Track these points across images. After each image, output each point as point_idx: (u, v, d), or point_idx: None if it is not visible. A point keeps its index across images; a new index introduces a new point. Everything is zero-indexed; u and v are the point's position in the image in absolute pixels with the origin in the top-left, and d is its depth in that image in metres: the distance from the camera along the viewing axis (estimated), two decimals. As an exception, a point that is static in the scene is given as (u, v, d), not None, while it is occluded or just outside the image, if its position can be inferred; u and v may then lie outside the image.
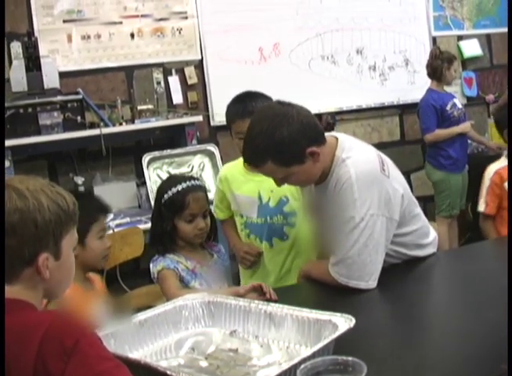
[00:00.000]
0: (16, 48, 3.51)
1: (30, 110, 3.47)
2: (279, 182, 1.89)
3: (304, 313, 1.47)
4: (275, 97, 2.04)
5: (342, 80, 4.63)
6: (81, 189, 3.68)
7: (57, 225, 1.18)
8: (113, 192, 3.73)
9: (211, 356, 1.46)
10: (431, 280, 1.96)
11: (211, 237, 2.17)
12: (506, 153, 2.91)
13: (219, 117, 4.09)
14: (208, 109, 4.19)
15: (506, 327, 1.31)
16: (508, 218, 2.65)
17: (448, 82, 4.41)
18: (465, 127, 4.39)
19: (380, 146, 2.06)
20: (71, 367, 1.04)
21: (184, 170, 3.90)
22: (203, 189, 2.10)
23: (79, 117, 3.62)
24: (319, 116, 4.13)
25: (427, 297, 1.85)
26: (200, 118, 3.97)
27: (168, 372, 1.22)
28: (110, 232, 2.86)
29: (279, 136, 1.75)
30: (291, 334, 1.47)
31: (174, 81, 4.09)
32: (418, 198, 2.06)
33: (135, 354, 1.46)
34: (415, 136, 4.88)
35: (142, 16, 4.00)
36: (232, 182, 2.35)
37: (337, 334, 1.31)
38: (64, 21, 3.80)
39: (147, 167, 3.80)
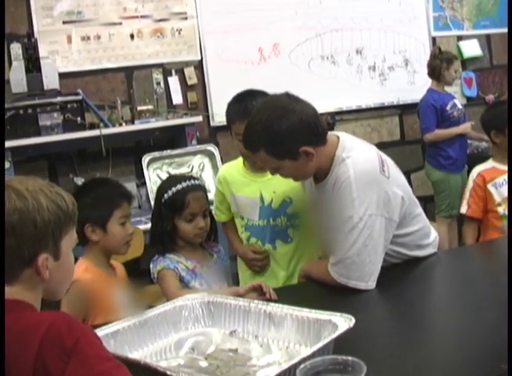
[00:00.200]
0: (15, 49, 3.51)
1: (30, 111, 3.48)
2: (272, 171, 1.95)
3: (303, 313, 1.47)
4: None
5: (342, 80, 4.63)
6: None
7: (56, 225, 1.18)
8: (113, 192, 3.73)
9: (211, 356, 1.46)
10: (431, 280, 1.96)
11: (211, 237, 2.17)
12: (492, 154, 2.85)
13: (219, 117, 4.09)
14: (208, 109, 4.19)
15: (506, 327, 1.31)
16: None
17: (448, 82, 4.40)
18: (465, 128, 4.38)
19: (380, 146, 2.06)
20: (71, 367, 1.04)
21: (184, 170, 3.90)
22: (202, 189, 2.10)
23: (79, 118, 3.62)
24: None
25: (427, 297, 1.85)
26: (199, 119, 3.97)
27: (168, 372, 1.22)
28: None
29: (276, 129, 1.77)
30: (291, 333, 1.47)
31: (173, 81, 4.09)
32: (418, 198, 2.05)
33: (135, 354, 1.46)
34: (415, 136, 4.88)
35: (141, 16, 4.01)
36: (232, 183, 2.30)
37: (337, 333, 1.31)
38: (64, 22, 3.81)
39: (147, 167, 3.81)
